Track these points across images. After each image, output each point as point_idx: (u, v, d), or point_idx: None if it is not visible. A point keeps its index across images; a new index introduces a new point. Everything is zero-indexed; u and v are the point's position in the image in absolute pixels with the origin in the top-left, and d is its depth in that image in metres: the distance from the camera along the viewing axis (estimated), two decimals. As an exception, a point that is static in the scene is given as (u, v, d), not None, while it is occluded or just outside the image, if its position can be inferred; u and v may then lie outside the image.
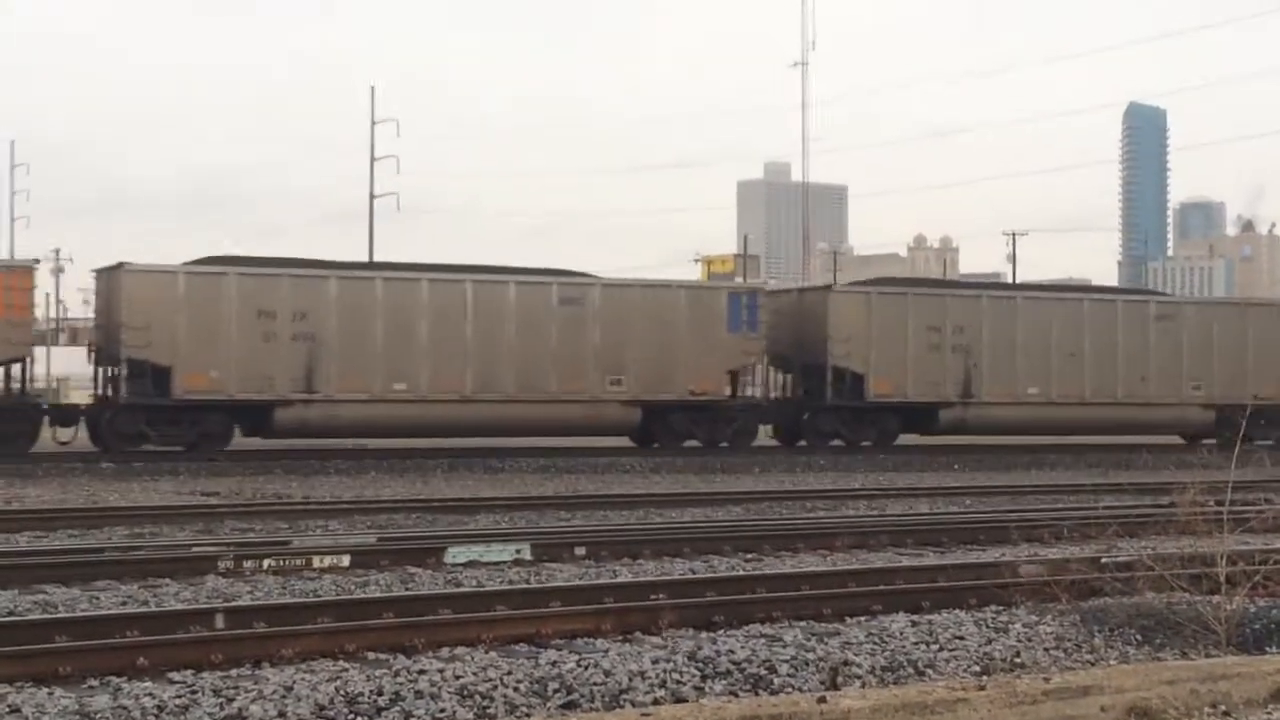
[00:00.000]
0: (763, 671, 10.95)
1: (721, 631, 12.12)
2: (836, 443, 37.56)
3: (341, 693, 9.81)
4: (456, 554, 16.42)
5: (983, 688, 9.86)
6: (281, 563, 15.62)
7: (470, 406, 33.86)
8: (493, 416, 34.25)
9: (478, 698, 9.99)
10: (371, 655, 11.00)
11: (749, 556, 17.40)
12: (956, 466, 35.03)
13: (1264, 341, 41.43)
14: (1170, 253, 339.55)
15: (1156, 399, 40.08)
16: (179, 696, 9.61)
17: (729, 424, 36.52)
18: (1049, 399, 39.08)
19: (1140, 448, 36.81)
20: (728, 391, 36.63)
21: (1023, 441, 40.05)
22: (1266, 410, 38.91)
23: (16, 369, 32.21)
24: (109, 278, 33.24)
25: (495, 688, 10.16)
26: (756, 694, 10.54)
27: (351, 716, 9.57)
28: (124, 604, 13.43)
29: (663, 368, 35.52)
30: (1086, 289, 44.26)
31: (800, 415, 38.17)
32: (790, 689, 10.68)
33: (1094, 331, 39.67)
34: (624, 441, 37.03)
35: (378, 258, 62.45)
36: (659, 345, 35.49)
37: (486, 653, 11.13)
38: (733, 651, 11.28)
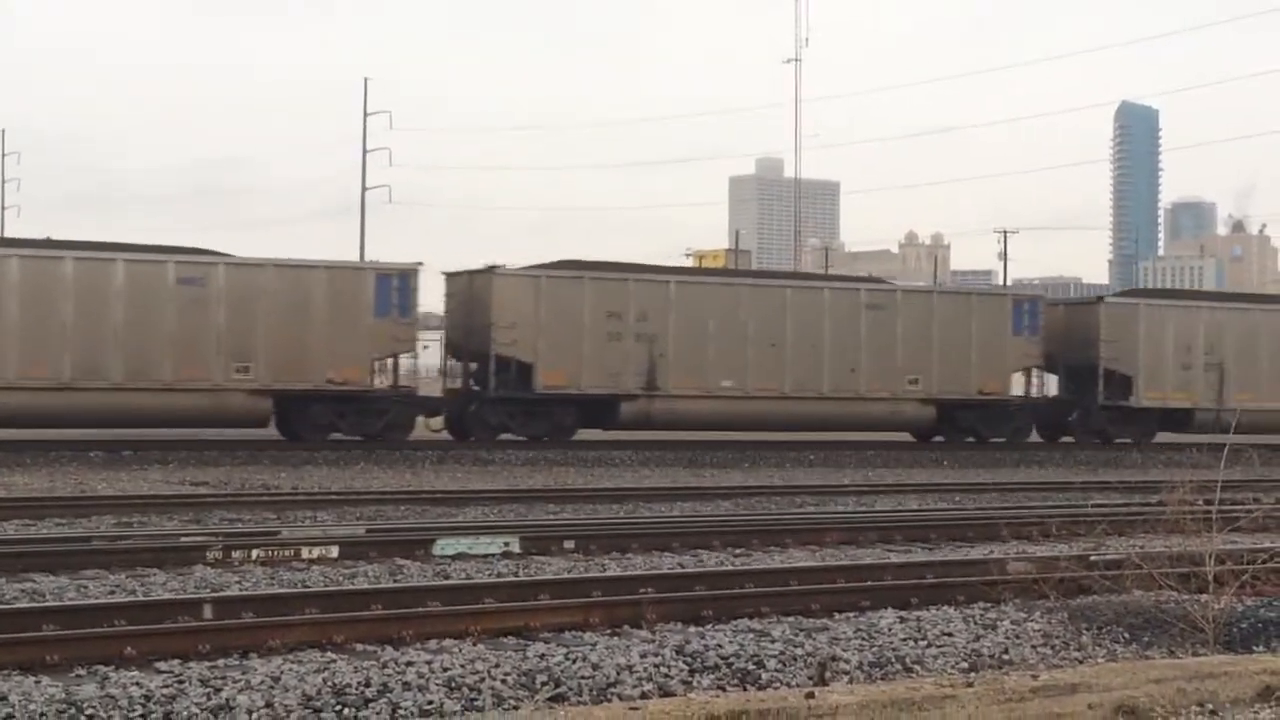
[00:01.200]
0: (751, 666, 10.95)
1: (710, 626, 12.12)
2: (507, 436, 34.76)
3: (329, 684, 9.80)
4: (445, 546, 16.41)
5: (970, 685, 9.88)
6: (270, 553, 15.60)
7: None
8: (100, 406, 31.71)
9: (465, 690, 9.99)
10: (359, 646, 10.99)
11: (738, 551, 17.40)
12: (945, 463, 35.05)
13: (988, 333, 38.41)
14: (1161, 252, 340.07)
15: (868, 393, 37.14)
16: (166, 686, 9.60)
17: (380, 416, 33.87)
18: (745, 392, 36.10)
19: (861, 446, 36.89)
20: (379, 381, 34.21)
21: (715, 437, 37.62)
22: (993, 406, 38.65)
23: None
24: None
25: (483, 680, 10.15)
26: (744, 689, 10.54)
27: (339, 707, 9.55)
28: (112, 593, 13.41)
29: (298, 354, 32.73)
30: (792, 275, 41.16)
31: (468, 407, 35.31)
32: (778, 684, 10.68)
33: (797, 320, 36.54)
34: (616, 436, 36.95)
35: (371, 252, 62.20)
36: (293, 330, 32.68)
37: (474, 645, 11.13)
38: (721, 646, 11.28)
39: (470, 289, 35.60)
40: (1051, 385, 43.61)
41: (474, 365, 35.75)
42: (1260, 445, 37.77)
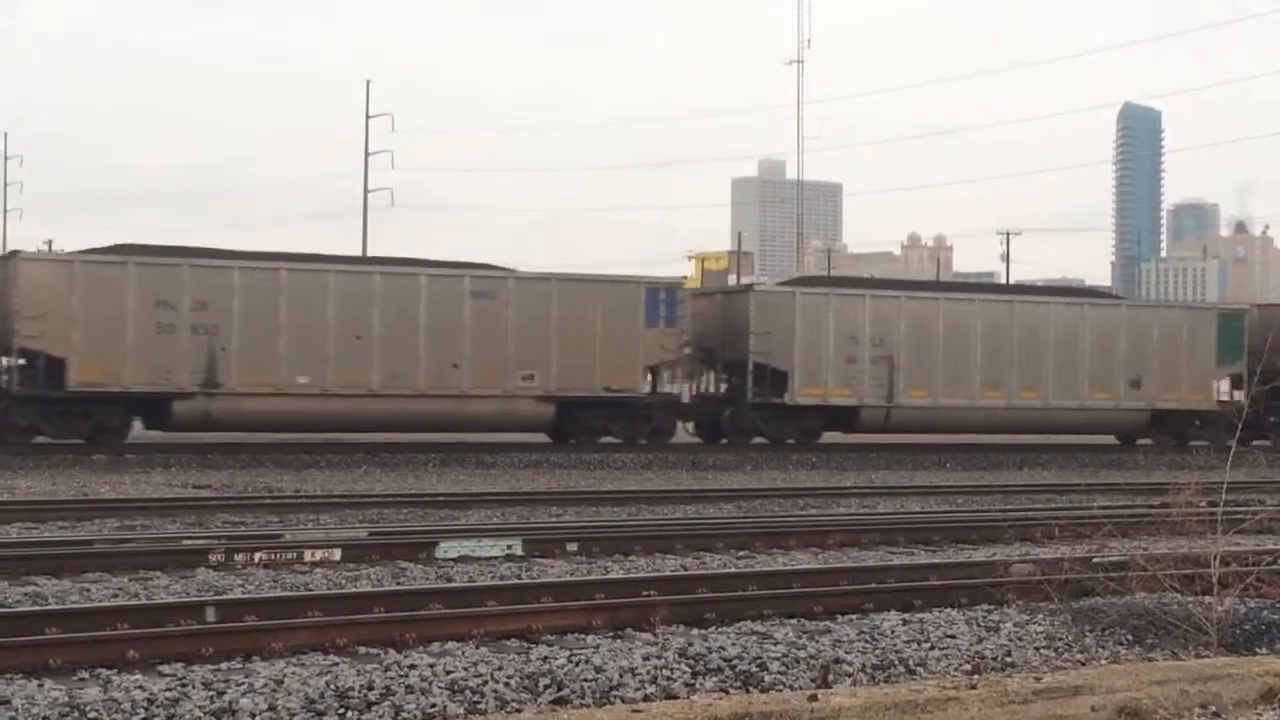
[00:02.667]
0: (754, 669, 10.94)
1: (713, 628, 12.11)
2: (42, 439, 31.76)
3: (332, 687, 9.80)
4: (448, 549, 16.40)
5: (974, 687, 9.87)
6: (273, 556, 15.60)
7: None
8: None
9: (468, 693, 9.99)
10: (362, 649, 10.99)
11: (741, 553, 17.39)
12: (948, 465, 35.04)
13: (617, 323, 34.66)
14: (1164, 254, 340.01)
15: (474, 390, 33.62)
16: (169, 689, 9.60)
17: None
18: (324, 389, 32.60)
19: (866, 449, 36.47)
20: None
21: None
22: (624, 403, 34.86)
23: None
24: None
25: (486, 683, 10.15)
26: (747, 691, 10.53)
27: (342, 710, 9.55)
28: (115, 596, 13.41)
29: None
30: (389, 261, 36.13)
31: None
32: (781, 686, 10.67)
33: (388, 310, 33.07)
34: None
35: (373, 253, 62.28)
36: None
37: (477, 648, 11.12)
38: (724, 648, 11.27)
39: (3, 275, 32.07)
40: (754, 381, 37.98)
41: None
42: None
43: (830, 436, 38.07)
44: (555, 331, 34.08)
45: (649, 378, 35.72)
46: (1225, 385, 41.35)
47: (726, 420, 36.71)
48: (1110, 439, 41.51)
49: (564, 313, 34.23)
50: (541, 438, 35.82)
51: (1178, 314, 41.80)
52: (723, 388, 37.85)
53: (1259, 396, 41.01)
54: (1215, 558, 12.94)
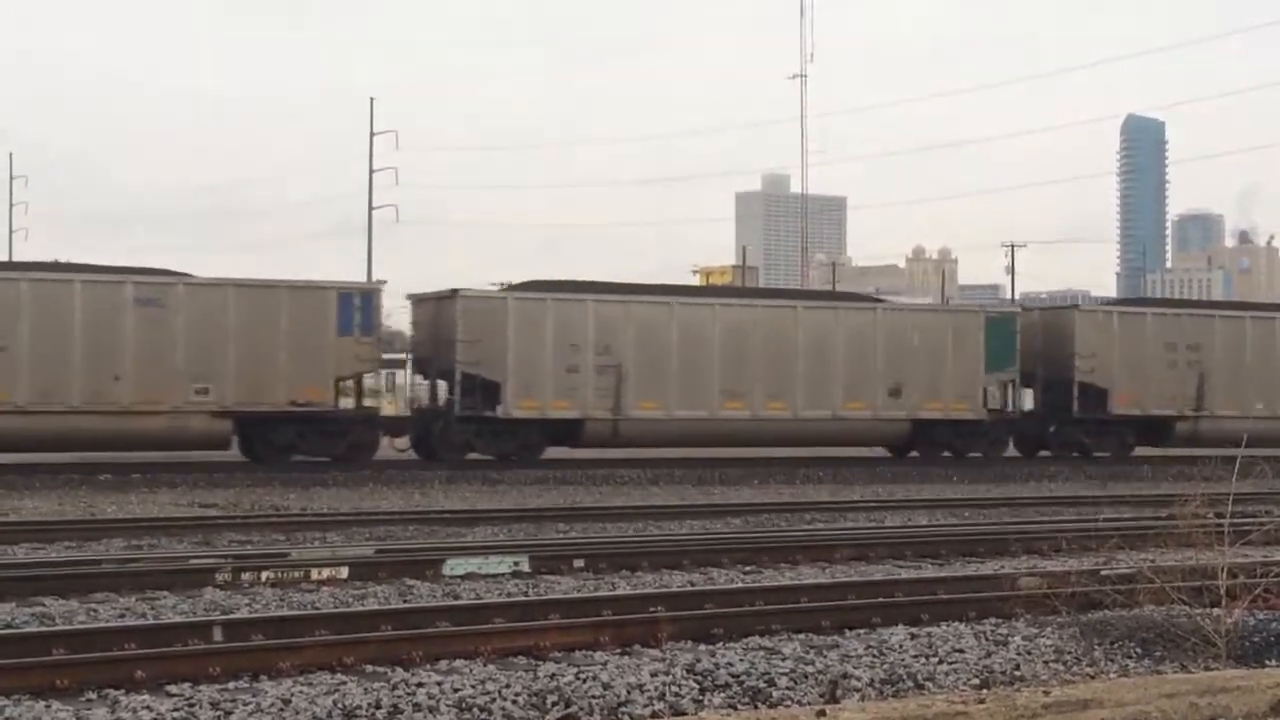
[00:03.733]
0: (762, 684, 10.92)
1: (720, 644, 12.09)
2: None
3: (340, 705, 9.79)
4: (455, 566, 16.39)
5: (982, 701, 9.85)
6: (280, 575, 15.59)
7: None
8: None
9: (476, 710, 9.98)
10: (370, 668, 10.97)
11: (748, 569, 17.37)
12: (955, 478, 34.99)
13: (305, 332, 32.50)
14: (1169, 264, 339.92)
15: (137, 406, 31.33)
16: (177, 709, 9.59)
17: None
18: None
19: (873, 462, 36.78)
20: None
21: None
22: (316, 419, 32.93)
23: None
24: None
25: (494, 700, 10.14)
26: (755, 707, 10.52)
27: (349, 729, 9.54)
28: (122, 616, 13.41)
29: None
30: (34, 266, 33.54)
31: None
32: (789, 702, 10.65)
33: (37, 320, 30.82)
34: (616, 454, 36.88)
35: (378, 271, 62.14)
36: None
37: (485, 665, 11.11)
38: (731, 664, 11.25)
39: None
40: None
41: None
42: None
43: (556, 452, 35.50)
44: (233, 341, 31.97)
45: (352, 389, 34.50)
46: (996, 393, 39.44)
47: (437, 435, 34.63)
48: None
49: (243, 321, 32.12)
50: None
51: (942, 317, 39.62)
52: (441, 400, 35.87)
53: (1041, 405, 40.15)
54: (1223, 569, 12.91)
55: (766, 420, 36.05)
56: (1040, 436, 39.99)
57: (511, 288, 36.42)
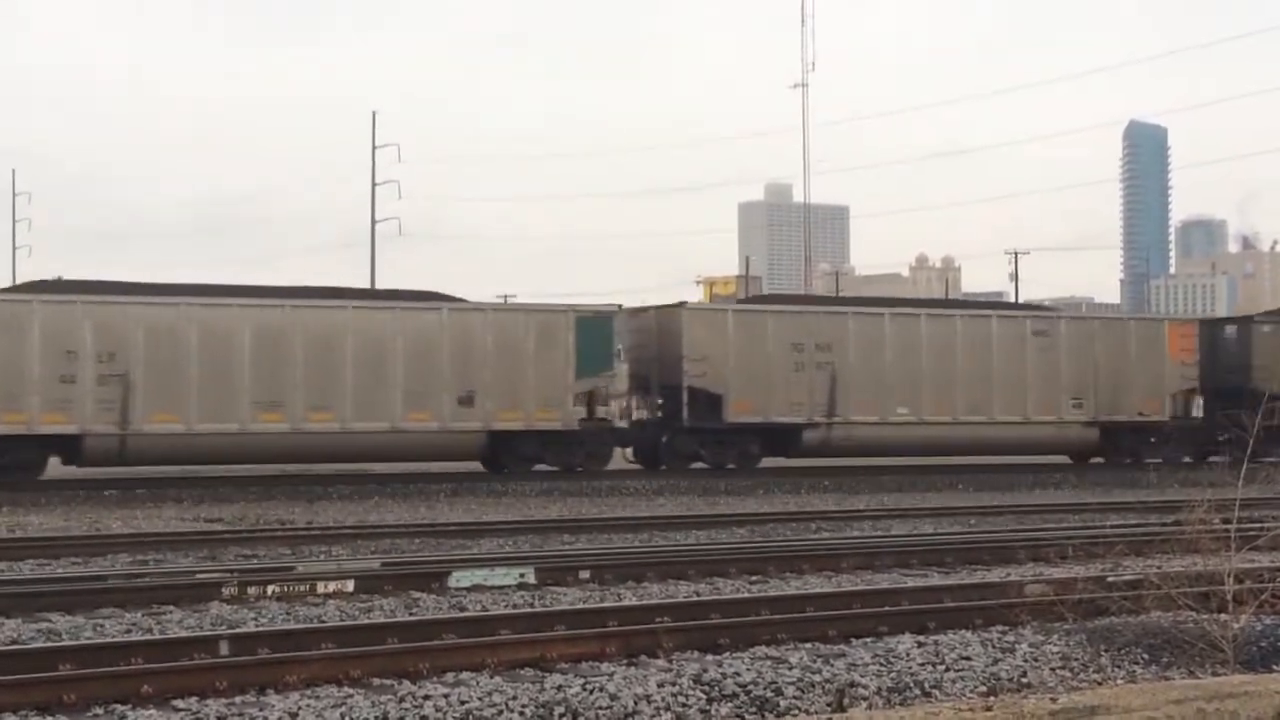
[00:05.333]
0: (769, 694, 10.91)
1: (727, 654, 12.08)
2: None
3: (346, 719, 9.78)
4: (461, 578, 16.38)
5: (989, 708, 9.84)
6: (285, 588, 15.58)
7: None
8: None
9: (483, 723, 9.96)
10: (376, 681, 10.96)
11: (754, 578, 17.36)
12: (960, 486, 34.97)
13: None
14: (1173, 270, 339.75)
15: None
16: (183, 724, 9.58)
17: None
18: None
19: (876, 471, 36.14)
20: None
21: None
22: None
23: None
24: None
25: (500, 713, 10.13)
26: (763, 716, 10.51)
27: (356, 743, 9.54)
28: (128, 631, 13.40)
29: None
30: None
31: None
32: (797, 711, 10.64)
33: None
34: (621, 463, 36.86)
35: (380, 283, 62.23)
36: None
37: (491, 677, 11.10)
38: (738, 674, 11.24)
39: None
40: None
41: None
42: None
43: (63, 472, 32.48)
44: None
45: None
46: (633, 401, 36.61)
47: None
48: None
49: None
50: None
51: (522, 317, 35.09)
52: None
53: (658, 413, 36.86)
54: (1230, 575, 12.89)
55: (310, 434, 32.43)
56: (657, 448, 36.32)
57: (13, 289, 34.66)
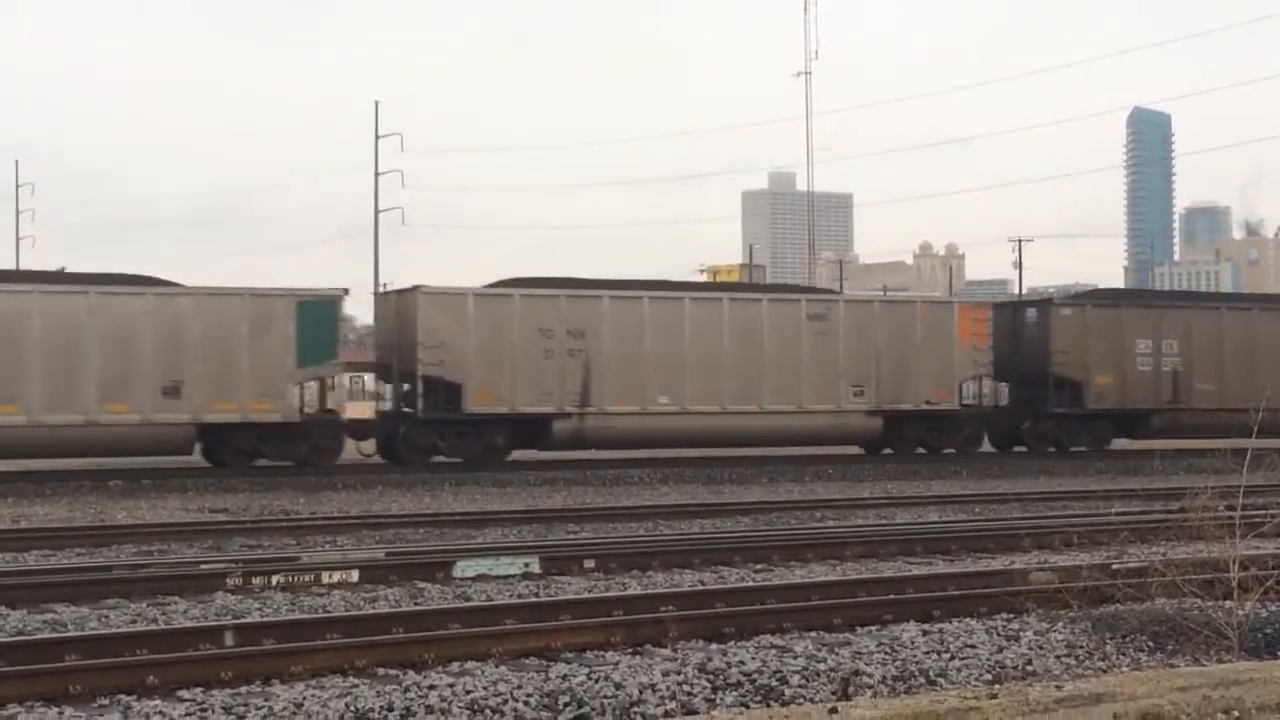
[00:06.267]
0: (774, 682, 10.91)
1: (732, 643, 12.09)
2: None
3: (352, 709, 9.80)
4: (465, 568, 16.39)
5: (995, 696, 9.84)
6: (290, 579, 15.60)
7: None
8: None
9: (488, 712, 9.98)
10: (381, 671, 10.98)
11: (758, 567, 17.36)
12: (964, 474, 34.96)
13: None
14: (1177, 257, 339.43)
15: None
16: (189, 714, 9.60)
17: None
18: None
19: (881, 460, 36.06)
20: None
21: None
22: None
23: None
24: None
25: (506, 702, 10.14)
26: (768, 705, 10.51)
27: (362, 732, 9.55)
28: (133, 622, 13.42)
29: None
30: None
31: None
32: (802, 700, 10.65)
33: None
34: (630, 454, 36.86)
35: (384, 273, 61.85)
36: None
37: (496, 667, 11.11)
38: (743, 663, 11.25)
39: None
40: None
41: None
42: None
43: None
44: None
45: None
46: (312, 390, 33.83)
47: None
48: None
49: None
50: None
51: (235, 302, 32.36)
52: None
53: (396, 404, 34.26)
54: (1234, 562, 12.88)
55: None
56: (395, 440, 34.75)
57: None
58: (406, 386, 34.23)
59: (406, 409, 34.27)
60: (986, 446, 39.75)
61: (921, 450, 38.34)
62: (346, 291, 34.67)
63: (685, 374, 35.22)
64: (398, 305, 34.96)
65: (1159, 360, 39.86)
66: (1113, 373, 39.34)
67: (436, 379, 33.68)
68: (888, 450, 38.37)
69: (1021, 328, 39.74)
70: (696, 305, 36.04)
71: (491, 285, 35.28)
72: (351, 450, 34.51)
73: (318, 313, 32.72)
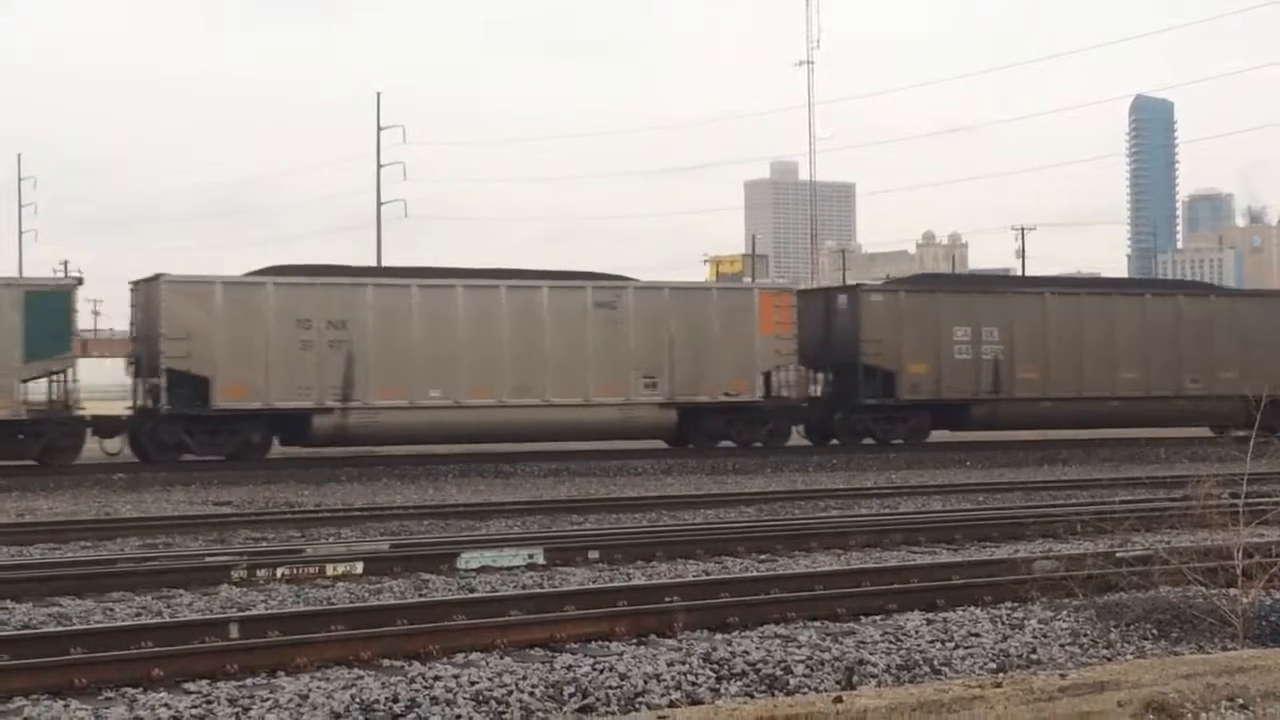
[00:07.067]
0: (778, 672, 10.93)
1: (736, 633, 12.10)
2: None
3: (357, 700, 9.81)
4: (470, 559, 16.41)
5: (999, 685, 9.84)
6: (295, 571, 15.62)
7: None
8: None
9: (493, 703, 9.99)
10: (386, 662, 11.00)
11: (762, 557, 17.37)
12: (968, 463, 34.96)
13: None
14: (1179, 245, 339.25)
15: None
16: (195, 707, 9.61)
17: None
18: None
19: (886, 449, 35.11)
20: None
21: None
22: None
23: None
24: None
25: (511, 693, 10.15)
26: (772, 695, 10.52)
27: (367, 724, 9.56)
28: (138, 615, 13.44)
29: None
30: None
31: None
32: (806, 689, 10.66)
33: None
34: (638, 444, 36.84)
35: (387, 263, 62.02)
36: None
37: (501, 658, 11.12)
38: (748, 652, 11.26)
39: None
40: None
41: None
42: None
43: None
44: None
45: None
46: (41, 386, 31.64)
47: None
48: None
49: None
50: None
51: None
52: None
53: (141, 399, 31.23)
54: (1238, 550, 12.89)
55: None
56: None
57: None
58: (154, 380, 32.28)
59: (154, 404, 32.35)
60: (798, 440, 38.04)
61: (727, 444, 36.10)
62: (80, 281, 33.74)
63: (460, 366, 33.35)
64: (147, 295, 32.93)
65: (978, 349, 37.92)
66: (928, 362, 37.43)
67: (182, 373, 31.77)
68: (692, 445, 35.94)
69: (834, 315, 37.86)
70: (471, 294, 33.98)
71: (248, 274, 33.75)
72: (96, 449, 32.64)
73: (48, 304, 31.10)
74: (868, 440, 37.73)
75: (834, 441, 37.85)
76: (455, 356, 33.27)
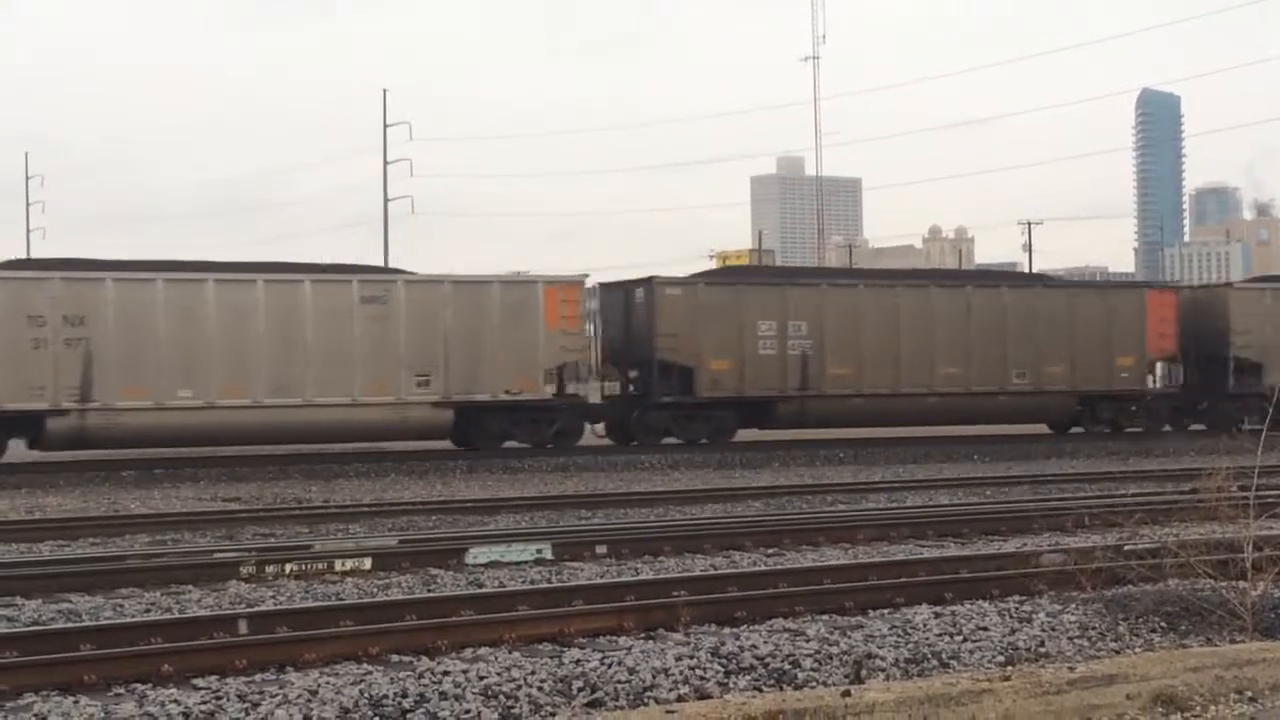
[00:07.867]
0: (786, 666, 10.93)
1: (744, 627, 12.10)
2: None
3: (366, 695, 9.82)
4: (478, 555, 16.42)
5: (1007, 678, 9.84)
6: (303, 567, 15.64)
7: None
8: None
9: (502, 698, 10.00)
10: (395, 657, 11.00)
11: (770, 551, 17.37)
12: (976, 457, 34.93)
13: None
14: (1187, 238, 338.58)
15: None
16: (204, 702, 9.63)
17: None
18: None
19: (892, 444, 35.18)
20: None
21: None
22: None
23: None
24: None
25: (519, 687, 10.16)
26: (781, 689, 10.52)
27: (376, 719, 9.57)
28: (147, 611, 13.46)
29: None
30: None
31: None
32: (814, 683, 10.66)
33: None
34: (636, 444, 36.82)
35: (394, 262, 61.74)
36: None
37: (510, 653, 11.13)
38: (756, 647, 11.26)
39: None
40: None
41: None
42: None
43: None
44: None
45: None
46: None
47: None
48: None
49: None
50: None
51: None
52: None
53: None
54: (1248, 542, 12.87)
55: None
56: None
57: None
58: None
59: None
60: (590, 440, 36.38)
61: (511, 444, 34.60)
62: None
63: (211, 364, 31.53)
64: None
65: (785, 344, 36.19)
66: (730, 358, 35.83)
67: None
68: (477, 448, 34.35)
69: (632, 310, 36.39)
70: (223, 288, 31.96)
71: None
72: None
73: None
74: (670, 440, 36.15)
75: (635, 442, 36.23)
76: (207, 354, 31.59)
